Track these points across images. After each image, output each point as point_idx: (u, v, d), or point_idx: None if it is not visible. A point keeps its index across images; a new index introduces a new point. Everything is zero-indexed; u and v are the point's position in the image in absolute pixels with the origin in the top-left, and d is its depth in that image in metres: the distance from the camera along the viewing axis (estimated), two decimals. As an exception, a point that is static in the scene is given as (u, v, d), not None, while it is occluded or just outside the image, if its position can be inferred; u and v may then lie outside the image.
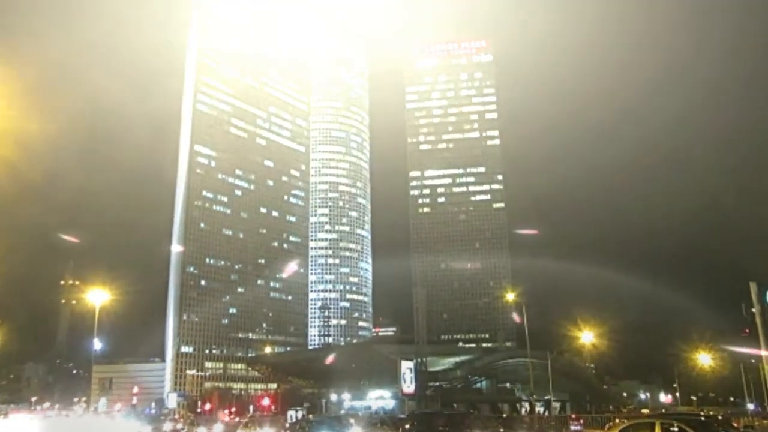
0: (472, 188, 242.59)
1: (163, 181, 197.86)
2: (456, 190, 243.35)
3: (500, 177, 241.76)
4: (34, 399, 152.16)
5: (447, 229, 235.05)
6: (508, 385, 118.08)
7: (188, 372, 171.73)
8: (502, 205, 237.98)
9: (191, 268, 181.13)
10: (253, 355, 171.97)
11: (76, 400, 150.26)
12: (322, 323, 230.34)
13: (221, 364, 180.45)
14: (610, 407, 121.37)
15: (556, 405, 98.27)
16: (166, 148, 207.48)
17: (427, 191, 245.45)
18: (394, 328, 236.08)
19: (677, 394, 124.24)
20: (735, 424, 27.77)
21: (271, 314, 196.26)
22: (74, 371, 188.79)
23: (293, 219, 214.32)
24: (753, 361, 66.79)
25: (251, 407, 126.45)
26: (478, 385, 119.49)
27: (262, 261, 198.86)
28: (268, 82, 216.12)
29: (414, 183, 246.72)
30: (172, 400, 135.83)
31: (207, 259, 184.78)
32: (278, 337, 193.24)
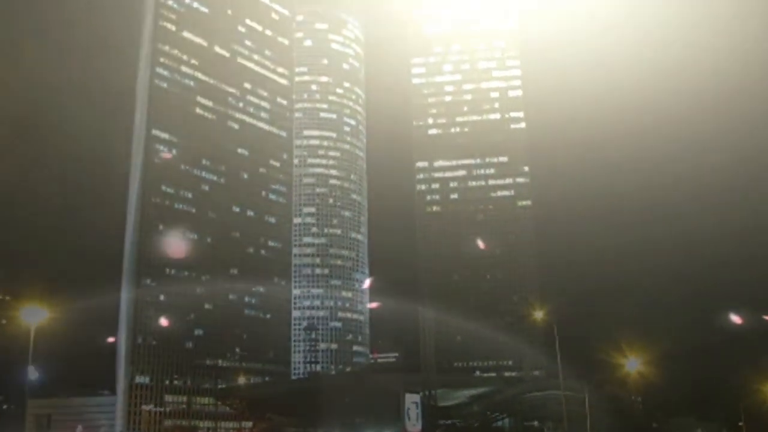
0: (492, 182, 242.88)
1: (114, 173, 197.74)
2: (472, 184, 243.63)
3: (526, 168, 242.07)
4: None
5: (461, 232, 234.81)
6: (536, 423, 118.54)
7: (144, 407, 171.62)
8: (528, 202, 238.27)
9: (148, 281, 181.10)
10: (224, 386, 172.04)
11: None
12: (308, 347, 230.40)
13: (184, 398, 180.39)
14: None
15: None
16: (117, 133, 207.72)
17: (436, 186, 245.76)
18: (396, 354, 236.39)
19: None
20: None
21: (245, 336, 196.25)
22: (3, 406, 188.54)
23: (273, 220, 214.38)
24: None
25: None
26: (500, 423, 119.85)
27: (235, 271, 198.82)
28: (241, 52, 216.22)
29: (421, 176, 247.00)
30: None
31: (167, 269, 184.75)
32: (254, 364, 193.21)
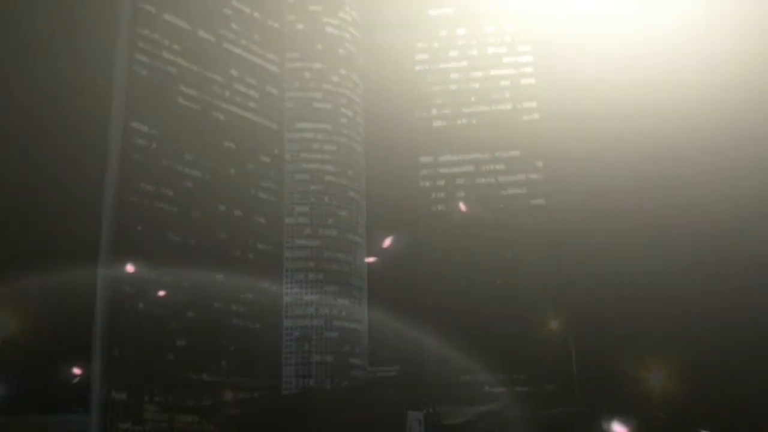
0: (502, 179, 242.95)
1: (88, 169, 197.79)
2: (481, 181, 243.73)
3: (540, 164, 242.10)
4: None
5: (468, 233, 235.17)
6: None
7: (121, 426, 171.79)
8: (542, 201, 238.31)
9: (125, 287, 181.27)
10: (209, 403, 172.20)
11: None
12: (300, 360, 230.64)
13: (166, 416, 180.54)
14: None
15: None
16: (92, 124, 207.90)
17: (442, 183, 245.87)
18: (398, 367, 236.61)
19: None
20: None
21: (232, 348, 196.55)
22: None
23: (262, 220, 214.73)
24: None
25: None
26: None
27: (221, 276, 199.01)
28: (227, 36, 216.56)
29: (425, 172, 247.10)
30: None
31: (146, 274, 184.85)
32: (242, 378, 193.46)
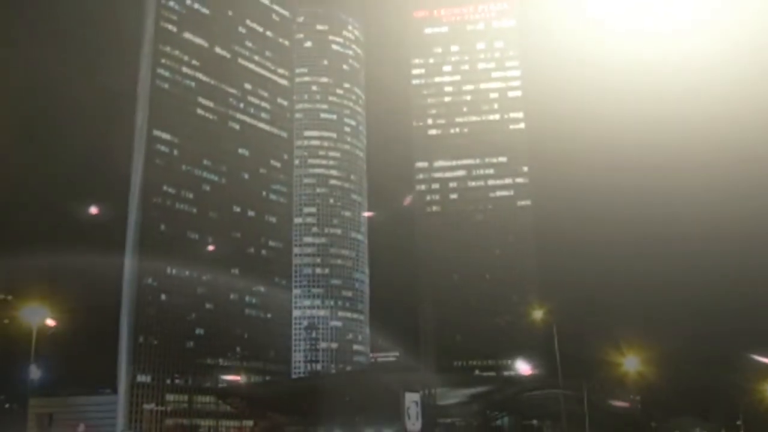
0: (491, 182, 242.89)
1: (115, 173, 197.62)
2: (472, 184, 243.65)
3: (526, 168, 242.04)
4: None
5: (461, 232, 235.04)
6: (535, 422, 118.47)
7: (145, 406, 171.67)
8: (528, 202, 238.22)
9: (149, 280, 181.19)
10: (225, 385, 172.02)
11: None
12: (308, 347, 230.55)
13: (185, 397, 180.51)
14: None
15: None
16: (118, 134, 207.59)
17: (436, 186, 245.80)
18: (396, 353, 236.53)
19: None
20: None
21: (246, 336, 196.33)
22: (6, 405, 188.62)
23: (273, 220, 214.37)
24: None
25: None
26: (499, 422, 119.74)
27: (236, 271, 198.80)
28: (242, 53, 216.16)
29: (421, 176, 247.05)
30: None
31: (168, 269, 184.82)
32: (255, 363, 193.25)
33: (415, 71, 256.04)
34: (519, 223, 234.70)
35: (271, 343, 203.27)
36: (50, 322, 53.21)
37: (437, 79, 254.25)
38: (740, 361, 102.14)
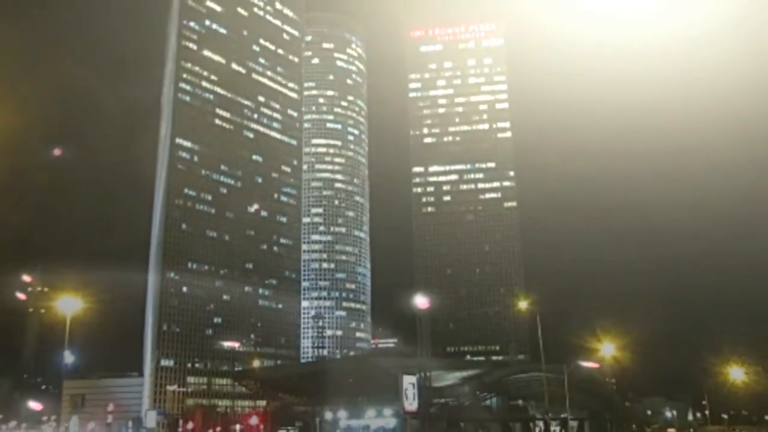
0: (481, 185, 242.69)
1: (141, 177, 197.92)
2: (463, 187, 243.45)
3: (512, 173, 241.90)
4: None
5: (453, 231, 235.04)
6: (520, 402, 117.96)
7: (168, 387, 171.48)
8: (514, 204, 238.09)
9: (172, 274, 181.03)
10: (240, 369, 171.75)
11: (45, 418, 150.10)
12: (315, 334, 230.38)
13: (205, 379, 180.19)
14: (633, 426, 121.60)
15: (573, 424, 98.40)
16: (144, 141, 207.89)
17: (431, 189, 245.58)
18: (395, 340, 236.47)
19: (707, 412, 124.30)
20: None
21: (259, 324, 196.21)
22: (43, 387, 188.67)
23: (284, 219, 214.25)
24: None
25: (238, 426, 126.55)
26: (488, 402, 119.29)
27: (250, 266, 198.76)
28: (256, 69, 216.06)
29: (417, 180, 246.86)
30: (150, 419, 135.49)
31: (189, 264, 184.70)
32: (268, 349, 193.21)
33: (412, 85, 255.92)
34: (506, 223, 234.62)
35: (281, 331, 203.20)
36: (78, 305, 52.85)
37: (432, 93, 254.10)
38: (705, 347, 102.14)
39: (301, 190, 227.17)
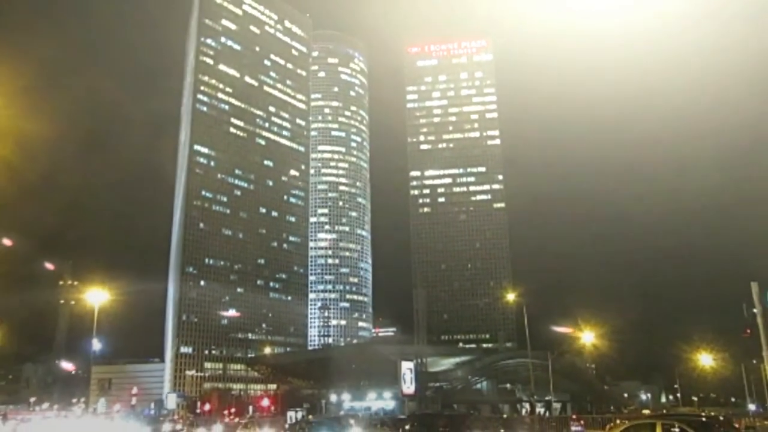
0: (472, 188, 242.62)
1: (162, 181, 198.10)
2: (456, 190, 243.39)
3: (500, 177, 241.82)
4: (32, 400, 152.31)
5: (447, 229, 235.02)
6: (508, 385, 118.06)
7: (187, 372, 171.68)
8: (502, 205, 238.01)
9: (190, 269, 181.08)
10: (253, 355, 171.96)
11: (74, 400, 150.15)
12: (321, 324, 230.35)
13: (221, 365, 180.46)
14: (611, 408, 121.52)
15: (557, 406, 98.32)
16: (165, 147, 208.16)
17: (427, 191, 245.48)
18: (394, 329, 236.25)
19: (678, 395, 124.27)
20: (736, 425, 27.77)
21: (270, 315, 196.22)
22: (73, 372, 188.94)
23: (293, 219, 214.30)
24: (754, 361, 66.84)
25: (251, 408, 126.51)
26: (479, 385, 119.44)
27: (262, 261, 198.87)
28: (267, 82, 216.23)
29: (414, 183, 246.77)
30: (171, 401, 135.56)
31: (206, 260, 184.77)
32: (278, 337, 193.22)
33: (409, 96, 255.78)
34: (495, 222, 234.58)
35: (291, 321, 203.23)
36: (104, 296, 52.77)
37: (427, 103, 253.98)
38: (677, 335, 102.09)
39: (309, 192, 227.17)
